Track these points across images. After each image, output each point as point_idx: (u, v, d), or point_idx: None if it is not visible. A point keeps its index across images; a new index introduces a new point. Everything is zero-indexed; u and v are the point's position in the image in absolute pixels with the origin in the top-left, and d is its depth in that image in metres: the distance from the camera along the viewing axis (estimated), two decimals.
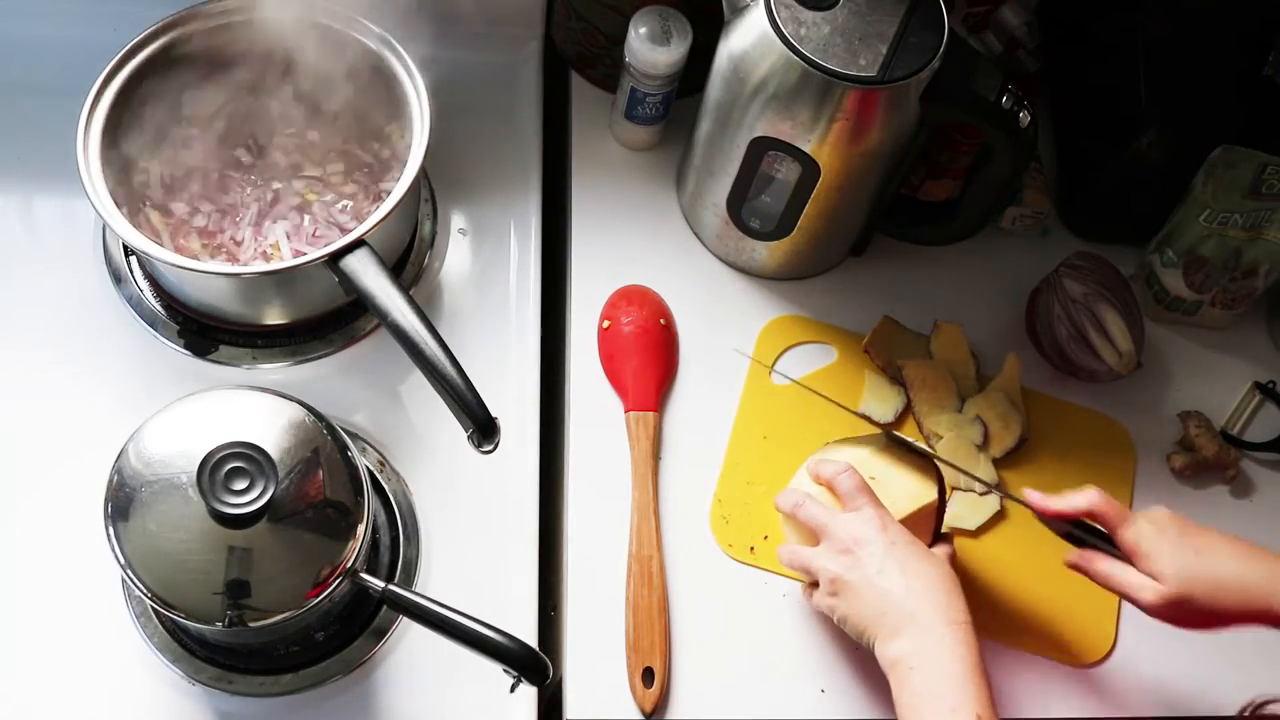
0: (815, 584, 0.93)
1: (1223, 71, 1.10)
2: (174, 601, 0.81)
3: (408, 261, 1.09)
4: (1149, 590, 0.87)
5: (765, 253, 1.11)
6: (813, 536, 0.93)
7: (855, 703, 0.97)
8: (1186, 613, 0.86)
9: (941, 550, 0.93)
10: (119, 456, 0.83)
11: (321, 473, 0.84)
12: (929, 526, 0.95)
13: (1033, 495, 0.92)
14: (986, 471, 1.06)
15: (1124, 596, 0.89)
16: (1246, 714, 0.79)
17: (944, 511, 0.96)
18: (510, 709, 0.94)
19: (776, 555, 0.96)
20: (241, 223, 1.04)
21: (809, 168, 1.00)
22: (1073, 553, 0.92)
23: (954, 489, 1.06)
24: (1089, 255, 1.12)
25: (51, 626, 0.94)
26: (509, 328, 1.09)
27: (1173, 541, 0.88)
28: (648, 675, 0.96)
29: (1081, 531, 0.92)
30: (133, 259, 1.07)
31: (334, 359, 1.06)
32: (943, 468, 0.97)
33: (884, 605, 0.86)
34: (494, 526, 1.01)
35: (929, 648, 0.84)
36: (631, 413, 1.05)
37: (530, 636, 0.97)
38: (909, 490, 0.94)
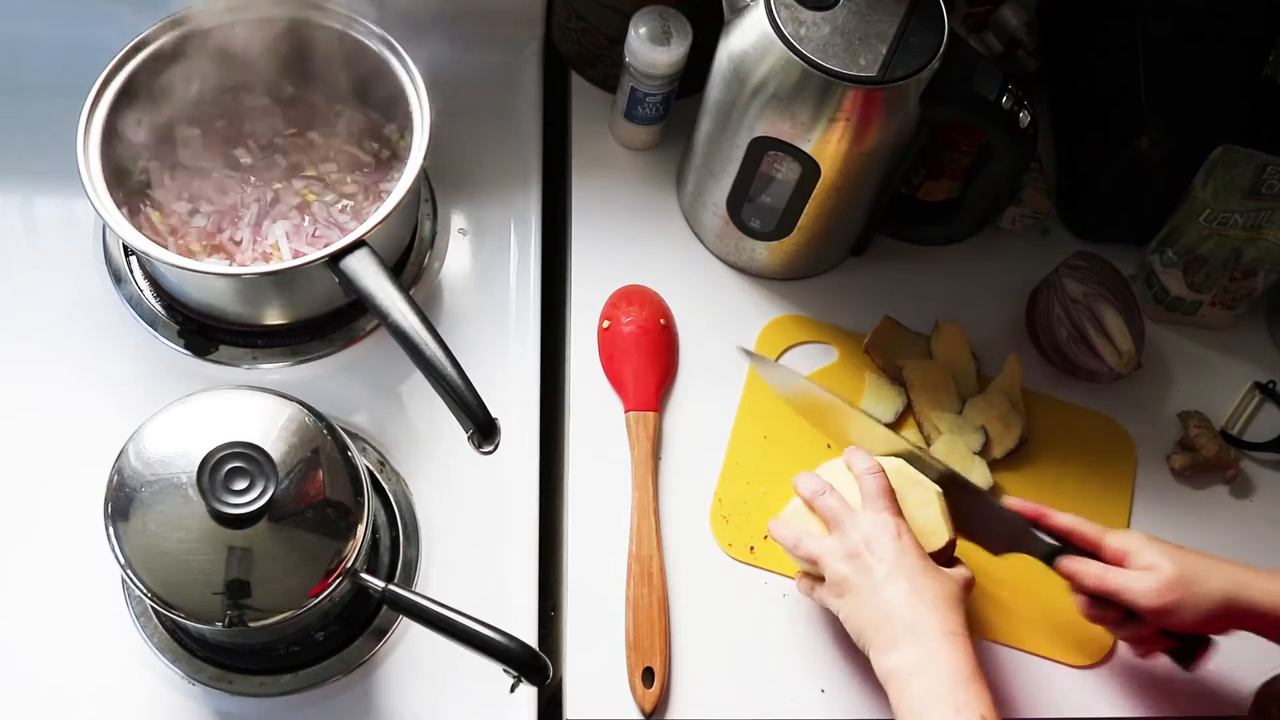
0: (810, 574, 0.94)
1: (1223, 71, 1.10)
2: (174, 601, 0.81)
3: (408, 261, 1.09)
4: (1148, 578, 0.89)
5: (765, 253, 1.11)
6: (823, 524, 0.93)
7: (855, 703, 0.97)
8: (1186, 601, 0.88)
9: (958, 571, 0.92)
10: (119, 456, 0.83)
11: (321, 473, 0.84)
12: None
13: (1014, 501, 0.96)
14: (981, 477, 1.06)
15: (1119, 598, 0.90)
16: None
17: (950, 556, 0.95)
18: (510, 709, 0.94)
19: (768, 528, 0.97)
20: (241, 223, 1.04)
21: (809, 168, 1.00)
22: (1064, 561, 0.93)
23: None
24: (1089, 255, 1.12)
25: (52, 626, 0.94)
26: (509, 328, 1.09)
27: (1156, 541, 0.92)
28: (648, 675, 0.96)
29: (1066, 549, 0.94)
30: (133, 259, 1.07)
31: (334, 359, 1.06)
32: (941, 461, 0.97)
33: (883, 616, 0.87)
34: (494, 526, 1.01)
35: (926, 657, 0.84)
36: (631, 413, 1.05)
37: (530, 636, 0.97)
38: (920, 526, 0.93)
